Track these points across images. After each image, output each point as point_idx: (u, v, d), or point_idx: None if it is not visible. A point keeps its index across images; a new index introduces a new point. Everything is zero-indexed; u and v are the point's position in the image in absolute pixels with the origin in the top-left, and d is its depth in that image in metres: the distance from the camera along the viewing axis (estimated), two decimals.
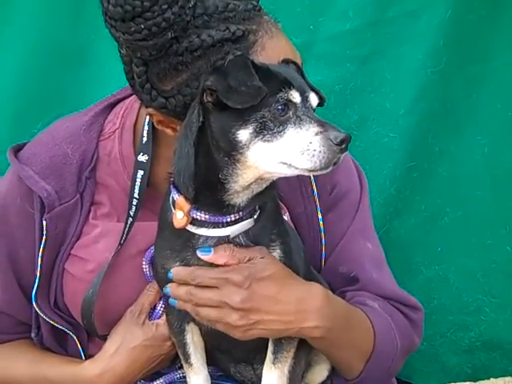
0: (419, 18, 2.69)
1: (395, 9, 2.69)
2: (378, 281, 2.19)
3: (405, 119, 2.74)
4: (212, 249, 1.84)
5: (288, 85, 1.75)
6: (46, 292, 2.13)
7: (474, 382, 2.80)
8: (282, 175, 1.78)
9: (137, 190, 2.05)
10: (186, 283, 1.87)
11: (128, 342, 2.06)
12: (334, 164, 1.72)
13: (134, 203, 2.05)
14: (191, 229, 1.85)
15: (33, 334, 2.20)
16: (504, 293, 2.85)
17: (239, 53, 1.79)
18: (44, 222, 2.06)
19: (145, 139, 2.06)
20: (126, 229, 2.05)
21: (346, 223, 2.20)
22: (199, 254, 1.85)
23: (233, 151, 1.74)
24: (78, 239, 2.11)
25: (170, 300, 1.94)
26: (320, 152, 1.69)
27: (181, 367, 2.09)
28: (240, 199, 1.82)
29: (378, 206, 2.75)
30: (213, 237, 1.85)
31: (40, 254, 2.08)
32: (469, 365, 2.93)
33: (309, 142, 1.70)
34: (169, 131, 1.93)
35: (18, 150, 2.14)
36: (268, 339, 1.94)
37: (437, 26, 2.67)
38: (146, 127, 2.06)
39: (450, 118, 2.77)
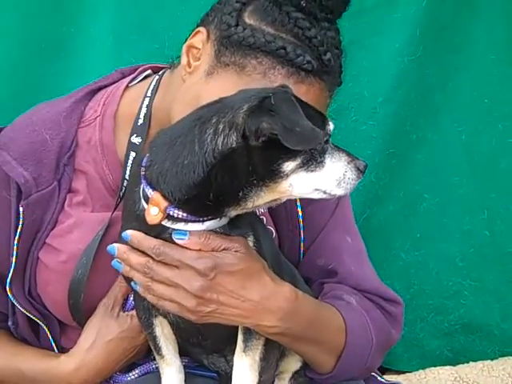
0: (396, 8, 2.63)
1: None
2: (356, 274, 2.09)
3: (383, 107, 2.68)
4: (188, 233, 1.72)
5: (325, 117, 1.73)
6: (21, 280, 2.01)
7: (454, 366, 2.77)
8: (307, 198, 1.75)
9: (128, 172, 1.94)
10: (142, 252, 1.75)
11: (103, 336, 1.95)
12: None
13: (125, 184, 1.94)
14: (167, 223, 1.72)
15: (10, 323, 2.08)
16: (482, 276, 2.80)
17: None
18: (21, 209, 1.95)
19: (140, 121, 1.95)
20: (115, 208, 1.95)
21: (325, 216, 2.11)
22: (174, 237, 1.72)
23: (269, 178, 1.67)
24: (53, 227, 1.99)
25: (113, 262, 1.80)
26: (353, 180, 1.71)
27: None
28: (240, 212, 1.73)
29: (357, 193, 2.63)
30: (189, 231, 1.73)
31: (16, 241, 1.96)
32: (449, 348, 2.87)
33: (345, 171, 1.71)
34: (185, 60, 1.85)
35: None
36: (238, 330, 1.84)
37: (413, 15, 2.61)
38: (144, 109, 1.96)
39: (428, 105, 2.72)
